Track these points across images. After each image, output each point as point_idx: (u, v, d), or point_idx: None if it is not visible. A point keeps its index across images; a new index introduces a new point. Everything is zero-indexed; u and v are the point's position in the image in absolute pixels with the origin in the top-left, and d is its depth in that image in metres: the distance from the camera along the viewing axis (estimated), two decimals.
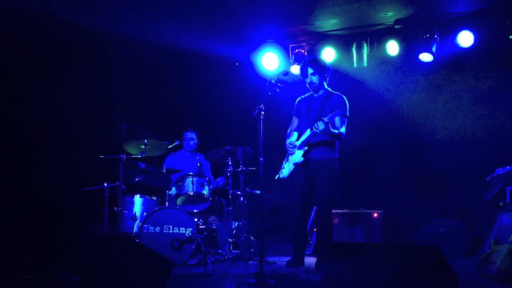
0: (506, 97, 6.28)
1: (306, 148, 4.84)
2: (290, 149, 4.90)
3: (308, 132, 4.80)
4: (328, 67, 5.03)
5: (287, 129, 5.24)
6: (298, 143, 4.90)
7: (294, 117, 5.16)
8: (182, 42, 6.55)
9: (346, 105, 4.89)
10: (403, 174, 6.84)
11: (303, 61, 5.11)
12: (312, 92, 5.04)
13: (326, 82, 5.02)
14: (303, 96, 5.14)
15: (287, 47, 7.11)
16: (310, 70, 4.91)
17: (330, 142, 4.88)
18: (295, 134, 5.02)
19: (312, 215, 6.22)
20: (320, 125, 4.57)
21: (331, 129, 4.64)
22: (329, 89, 5.01)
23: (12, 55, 5.48)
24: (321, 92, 4.99)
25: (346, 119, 4.87)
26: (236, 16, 6.34)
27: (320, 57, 5.76)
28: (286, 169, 4.97)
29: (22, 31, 5.45)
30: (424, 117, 6.80)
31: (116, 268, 3.40)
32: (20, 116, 5.58)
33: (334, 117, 4.59)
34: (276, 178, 4.99)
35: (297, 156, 4.88)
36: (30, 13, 5.28)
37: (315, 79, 4.92)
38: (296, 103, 5.15)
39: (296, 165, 4.90)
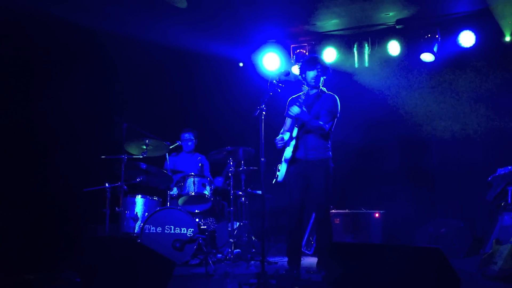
0: (508, 97, 6.26)
1: (294, 141, 4.71)
2: (279, 143, 4.76)
3: (296, 128, 4.71)
4: (330, 71, 4.97)
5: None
6: (287, 137, 4.76)
7: (286, 117, 5.00)
8: (184, 42, 6.55)
9: (337, 104, 4.80)
10: (404, 174, 6.84)
11: (314, 55, 5.01)
12: (303, 92, 4.87)
13: (322, 83, 4.97)
14: (294, 96, 5.00)
15: (288, 47, 7.12)
16: (319, 66, 4.83)
17: (321, 140, 4.75)
18: (287, 134, 4.91)
19: (313, 217, 6.22)
20: (295, 109, 4.53)
21: (309, 120, 4.56)
22: (324, 89, 4.95)
23: (16, 55, 5.48)
24: (314, 91, 4.92)
25: (334, 118, 4.78)
26: (237, 16, 6.35)
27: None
28: (282, 172, 4.82)
29: (25, 31, 5.45)
30: (425, 116, 6.79)
31: (117, 269, 3.40)
32: (22, 116, 5.58)
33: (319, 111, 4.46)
34: (273, 182, 4.90)
35: (287, 152, 4.73)
36: (34, 14, 5.29)
37: (319, 75, 4.86)
38: (287, 103, 4.99)
39: (287, 162, 4.73)
